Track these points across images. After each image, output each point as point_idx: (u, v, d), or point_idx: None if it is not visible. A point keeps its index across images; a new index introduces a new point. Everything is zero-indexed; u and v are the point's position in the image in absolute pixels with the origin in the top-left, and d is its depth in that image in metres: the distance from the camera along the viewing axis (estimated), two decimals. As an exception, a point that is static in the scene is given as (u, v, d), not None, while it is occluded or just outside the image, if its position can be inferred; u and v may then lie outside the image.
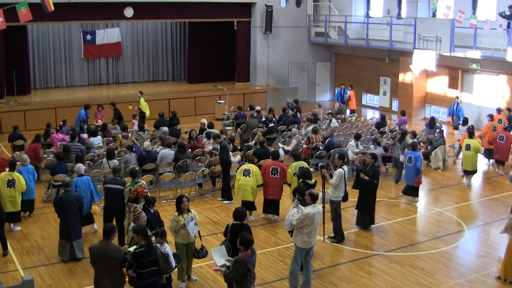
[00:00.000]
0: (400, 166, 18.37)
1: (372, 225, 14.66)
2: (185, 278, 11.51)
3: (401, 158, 17.93)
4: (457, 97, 25.22)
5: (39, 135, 18.68)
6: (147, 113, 24.57)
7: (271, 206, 15.24)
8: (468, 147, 18.28)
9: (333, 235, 13.87)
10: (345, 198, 13.81)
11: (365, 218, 14.58)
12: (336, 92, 31.10)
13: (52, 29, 31.26)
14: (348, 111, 27.67)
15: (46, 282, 11.72)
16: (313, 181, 13.54)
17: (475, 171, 18.53)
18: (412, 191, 16.90)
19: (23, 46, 28.66)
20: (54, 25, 30.84)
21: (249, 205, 14.88)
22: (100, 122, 22.80)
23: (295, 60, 33.25)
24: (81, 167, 14.21)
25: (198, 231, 11.38)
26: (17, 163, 15.12)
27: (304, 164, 15.02)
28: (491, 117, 21.22)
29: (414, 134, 19.83)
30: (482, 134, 20.74)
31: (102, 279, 9.60)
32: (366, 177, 14.27)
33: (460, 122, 22.04)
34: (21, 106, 25.93)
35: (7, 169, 14.35)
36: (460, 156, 20.19)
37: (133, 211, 11.13)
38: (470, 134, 18.85)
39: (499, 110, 22.56)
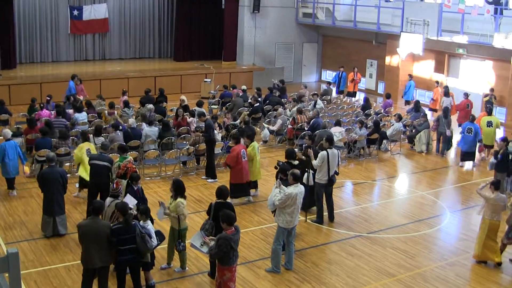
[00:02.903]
0: (445, 140, 19.78)
1: (355, 207, 14.70)
2: (171, 261, 11.31)
3: (448, 132, 19.64)
4: (410, 75, 26.36)
5: (32, 119, 18.07)
6: None
7: (250, 186, 15.39)
8: (490, 124, 19.08)
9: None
10: (331, 181, 13.63)
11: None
12: (334, 75, 30.89)
13: (39, 3, 30.87)
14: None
15: (29, 257, 11.68)
16: (296, 162, 13.51)
17: (492, 146, 19.29)
18: (469, 156, 18.78)
19: (9, 20, 28.21)
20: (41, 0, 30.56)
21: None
22: (81, 97, 22.43)
23: (282, 40, 33.17)
24: (7, 132, 14.66)
25: (179, 230, 10.88)
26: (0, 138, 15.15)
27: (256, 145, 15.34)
28: (466, 95, 22.46)
29: (399, 117, 19.99)
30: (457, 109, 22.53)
31: (91, 256, 9.47)
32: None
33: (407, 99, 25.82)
34: (6, 81, 25.65)
35: None
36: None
37: (116, 186, 11.07)
38: (490, 111, 19.86)
39: (466, 95, 22.87)
